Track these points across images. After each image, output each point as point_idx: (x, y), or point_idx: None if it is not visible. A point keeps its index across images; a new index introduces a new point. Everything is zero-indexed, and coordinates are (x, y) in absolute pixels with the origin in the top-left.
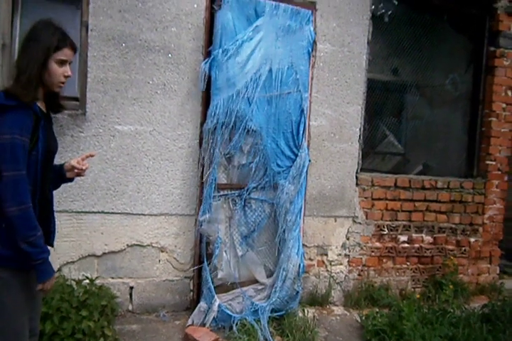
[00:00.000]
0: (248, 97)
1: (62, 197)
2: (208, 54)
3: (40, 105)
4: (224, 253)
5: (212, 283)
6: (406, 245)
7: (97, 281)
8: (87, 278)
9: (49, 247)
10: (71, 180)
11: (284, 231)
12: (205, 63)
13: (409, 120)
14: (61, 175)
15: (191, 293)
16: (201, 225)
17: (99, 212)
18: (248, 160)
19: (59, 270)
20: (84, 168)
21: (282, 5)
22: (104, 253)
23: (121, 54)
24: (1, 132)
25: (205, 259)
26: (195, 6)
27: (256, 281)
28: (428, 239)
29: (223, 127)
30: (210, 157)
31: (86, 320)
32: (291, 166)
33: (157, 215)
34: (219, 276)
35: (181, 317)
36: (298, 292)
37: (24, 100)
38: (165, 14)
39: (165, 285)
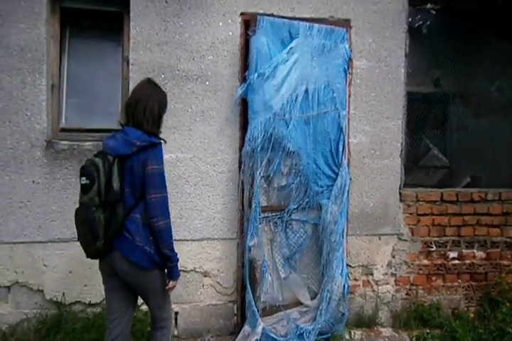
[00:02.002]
0: (285, 119)
1: None
2: (244, 79)
3: None
4: (267, 276)
5: (256, 306)
6: (456, 262)
7: (143, 307)
8: None
9: None
10: None
11: (328, 251)
12: (242, 88)
13: (454, 131)
14: None
15: (235, 317)
16: (250, 250)
17: None
18: (288, 181)
19: None
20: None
21: (316, 25)
22: None
23: (160, 85)
24: (152, 163)
25: (247, 283)
26: (230, 33)
27: (300, 303)
28: (480, 254)
29: (262, 150)
30: (250, 180)
31: None
32: (331, 185)
33: (199, 240)
34: (262, 299)
35: None
36: (344, 314)
37: (160, 140)
38: (201, 43)
39: (209, 310)
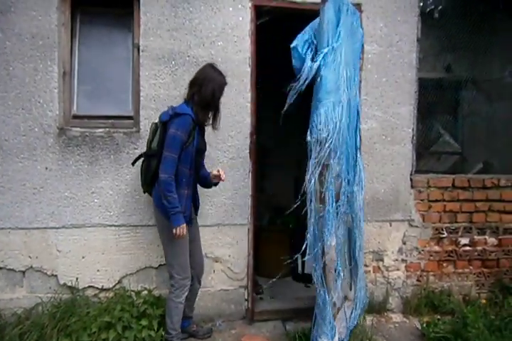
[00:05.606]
0: (342, 102)
1: (120, 211)
2: (255, 65)
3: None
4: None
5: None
6: (468, 248)
7: (155, 292)
8: (146, 289)
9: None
10: (216, 184)
11: (359, 240)
12: (315, 62)
13: (466, 117)
14: (210, 180)
15: (246, 303)
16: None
17: (154, 225)
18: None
19: (119, 282)
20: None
21: (349, 2)
22: (160, 265)
23: (171, 71)
24: (171, 127)
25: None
26: (241, 18)
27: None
28: (492, 240)
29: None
30: (319, 170)
31: (146, 329)
32: (354, 172)
33: (211, 226)
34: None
35: (237, 326)
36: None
37: (200, 120)
38: (211, 29)
39: (220, 295)
